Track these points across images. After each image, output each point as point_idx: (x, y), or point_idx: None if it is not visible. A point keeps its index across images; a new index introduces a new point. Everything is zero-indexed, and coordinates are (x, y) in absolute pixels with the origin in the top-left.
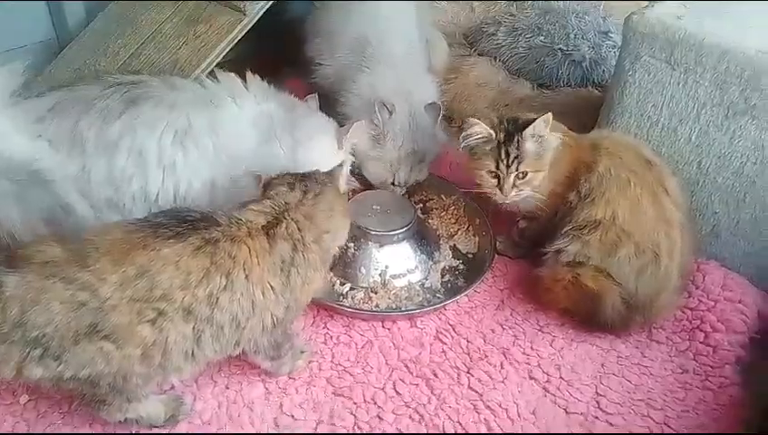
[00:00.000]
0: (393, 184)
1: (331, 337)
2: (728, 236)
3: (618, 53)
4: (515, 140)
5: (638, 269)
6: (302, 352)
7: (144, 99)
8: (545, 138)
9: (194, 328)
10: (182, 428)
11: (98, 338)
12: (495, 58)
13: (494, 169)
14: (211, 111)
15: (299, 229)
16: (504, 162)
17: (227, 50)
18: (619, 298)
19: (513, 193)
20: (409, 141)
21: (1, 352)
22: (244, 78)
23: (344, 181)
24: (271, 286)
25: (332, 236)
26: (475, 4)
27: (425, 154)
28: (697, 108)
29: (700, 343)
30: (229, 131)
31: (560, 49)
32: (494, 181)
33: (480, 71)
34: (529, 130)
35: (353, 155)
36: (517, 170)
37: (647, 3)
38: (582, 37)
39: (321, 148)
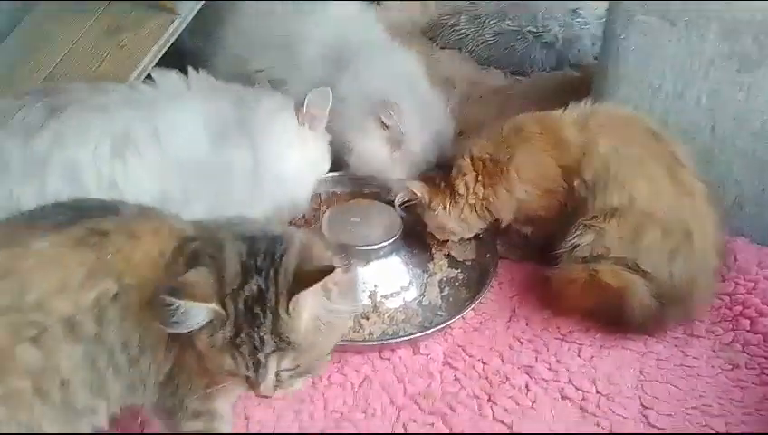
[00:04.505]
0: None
1: (321, 378)
2: (753, 207)
3: (591, 30)
4: None
5: (670, 253)
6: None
7: (69, 105)
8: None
9: (85, 351)
10: None
11: None
12: (460, 49)
13: None
14: (151, 114)
15: None
16: None
17: (159, 56)
18: (647, 293)
19: None
20: (429, 121)
21: None
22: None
23: None
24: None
25: None
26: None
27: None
28: (705, 65)
29: (747, 331)
30: (176, 137)
31: (529, 31)
32: None
33: (446, 65)
34: None
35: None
36: None
37: None
38: (551, 17)
39: (280, 132)
